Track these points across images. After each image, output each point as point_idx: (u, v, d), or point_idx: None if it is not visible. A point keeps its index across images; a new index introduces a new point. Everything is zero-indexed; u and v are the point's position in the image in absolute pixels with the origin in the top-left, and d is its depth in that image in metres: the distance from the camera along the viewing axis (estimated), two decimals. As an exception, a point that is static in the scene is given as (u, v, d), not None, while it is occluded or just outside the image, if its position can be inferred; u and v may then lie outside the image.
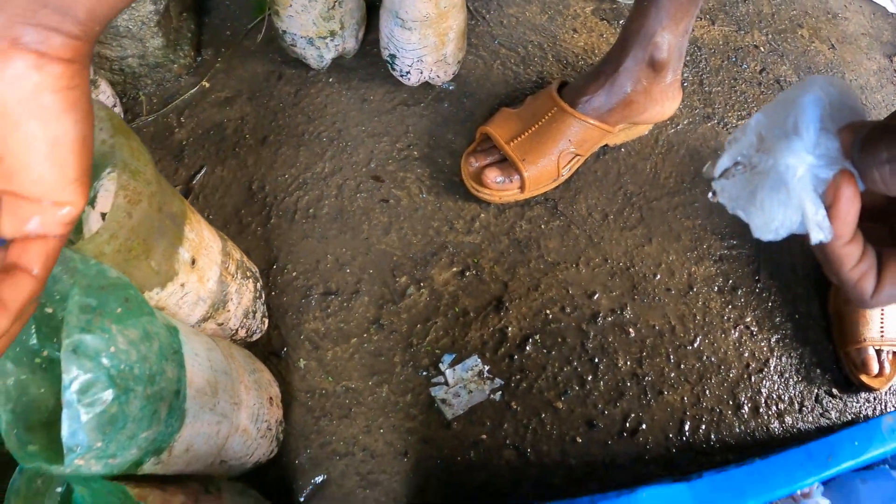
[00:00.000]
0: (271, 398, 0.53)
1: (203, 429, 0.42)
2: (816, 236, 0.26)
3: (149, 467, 0.39)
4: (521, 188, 0.63)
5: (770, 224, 0.28)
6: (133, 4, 0.67)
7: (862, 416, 0.62)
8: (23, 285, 0.25)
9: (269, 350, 0.59)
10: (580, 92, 0.64)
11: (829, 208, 0.26)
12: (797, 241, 0.70)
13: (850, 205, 0.25)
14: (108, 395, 0.33)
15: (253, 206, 0.65)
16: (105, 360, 0.33)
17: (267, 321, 0.59)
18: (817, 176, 0.26)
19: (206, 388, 0.42)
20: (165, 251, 0.45)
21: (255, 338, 0.58)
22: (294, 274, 0.61)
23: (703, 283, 0.65)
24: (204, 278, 0.50)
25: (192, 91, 0.73)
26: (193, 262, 0.49)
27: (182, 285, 0.47)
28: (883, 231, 0.30)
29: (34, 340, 0.39)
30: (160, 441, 0.38)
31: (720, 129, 0.75)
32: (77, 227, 0.39)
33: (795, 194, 0.26)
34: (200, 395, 0.42)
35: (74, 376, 0.32)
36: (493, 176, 0.63)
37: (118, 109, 0.71)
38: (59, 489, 0.40)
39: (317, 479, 0.55)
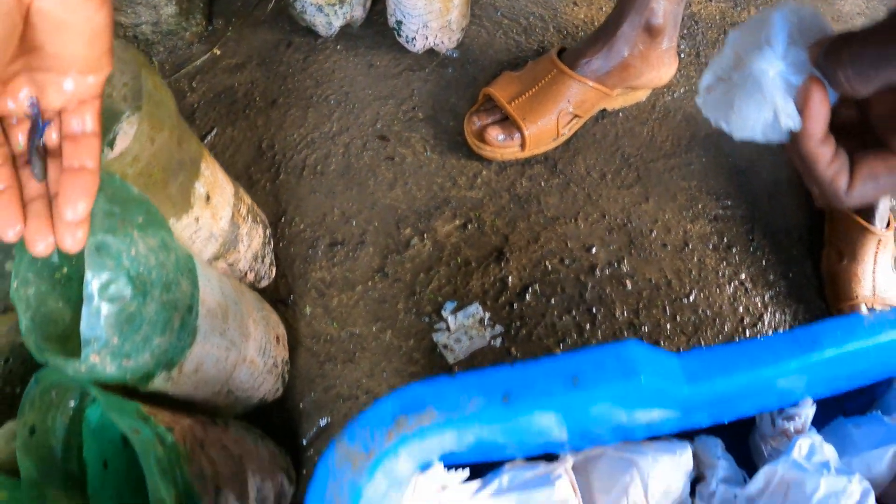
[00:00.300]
0: (278, 337, 0.54)
1: (213, 351, 0.44)
2: (786, 123, 0.28)
3: (160, 383, 0.40)
4: (522, 146, 0.65)
5: (746, 123, 0.30)
6: (149, -28, 0.70)
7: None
8: (84, 178, 0.28)
9: (277, 298, 0.61)
10: (579, 55, 0.66)
11: (802, 110, 0.28)
12: (791, 205, 0.72)
13: (820, 106, 0.28)
14: (127, 292, 0.35)
15: (262, 164, 0.67)
16: (125, 261, 0.35)
17: (275, 269, 0.61)
18: (788, 81, 0.28)
19: (216, 311, 0.44)
20: (182, 183, 0.47)
21: (262, 284, 0.60)
22: (301, 226, 0.63)
23: (698, 241, 0.66)
24: (217, 216, 0.52)
25: (203, 58, 0.75)
26: (208, 198, 0.51)
27: (196, 219, 0.49)
28: (854, 144, 0.32)
29: (55, 257, 0.41)
30: (172, 353, 0.40)
31: (716, 97, 0.76)
32: (108, 124, 0.41)
33: (768, 93, 0.28)
34: (211, 317, 0.43)
35: (96, 272, 0.34)
36: (495, 134, 0.65)
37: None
38: (72, 402, 0.41)
39: (321, 421, 0.57)
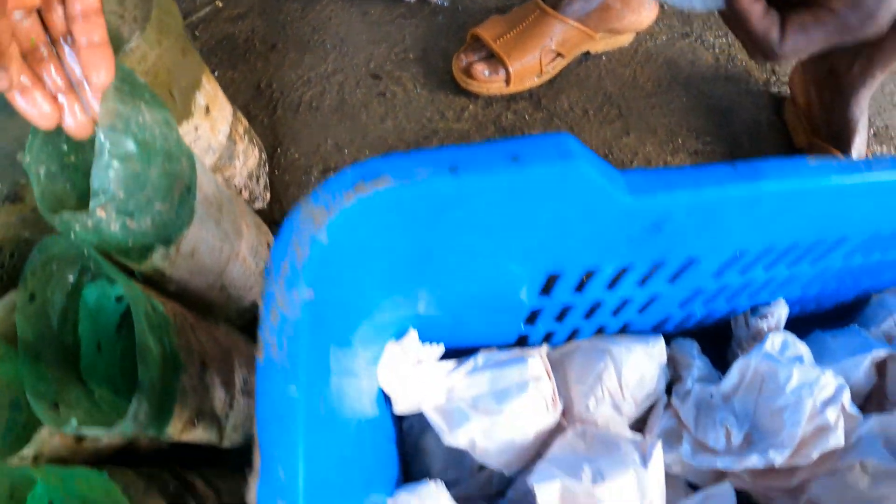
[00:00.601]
0: (269, 244, 0.57)
1: (208, 237, 0.47)
2: None
3: (157, 260, 0.43)
4: (507, 81, 0.68)
5: None
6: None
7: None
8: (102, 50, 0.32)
9: (271, 220, 0.64)
10: (562, -3, 0.69)
11: None
12: (771, 146, 0.74)
13: None
14: (134, 153, 0.38)
15: (260, 102, 0.71)
16: (133, 127, 0.38)
17: (269, 194, 0.64)
18: None
19: (212, 200, 0.47)
20: (185, 90, 0.51)
21: (257, 205, 0.63)
22: (297, 156, 0.67)
23: (678, 174, 0.69)
24: (215, 129, 0.55)
25: (206, 9, 0.79)
26: (207, 109, 0.54)
27: (196, 128, 0.53)
28: (784, 3, 0.36)
29: (65, 146, 0.44)
30: (171, 229, 0.43)
31: (697, 45, 0.79)
32: (115, 44, 0.44)
33: None
34: (207, 204, 0.46)
35: (108, 131, 0.37)
36: (481, 69, 0.68)
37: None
38: (71, 278, 0.44)
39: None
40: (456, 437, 0.40)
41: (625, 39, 0.75)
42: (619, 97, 0.72)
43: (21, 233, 0.51)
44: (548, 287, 0.35)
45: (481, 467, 0.46)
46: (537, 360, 0.41)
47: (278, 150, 0.67)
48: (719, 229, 0.32)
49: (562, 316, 0.41)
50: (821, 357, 0.50)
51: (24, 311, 0.40)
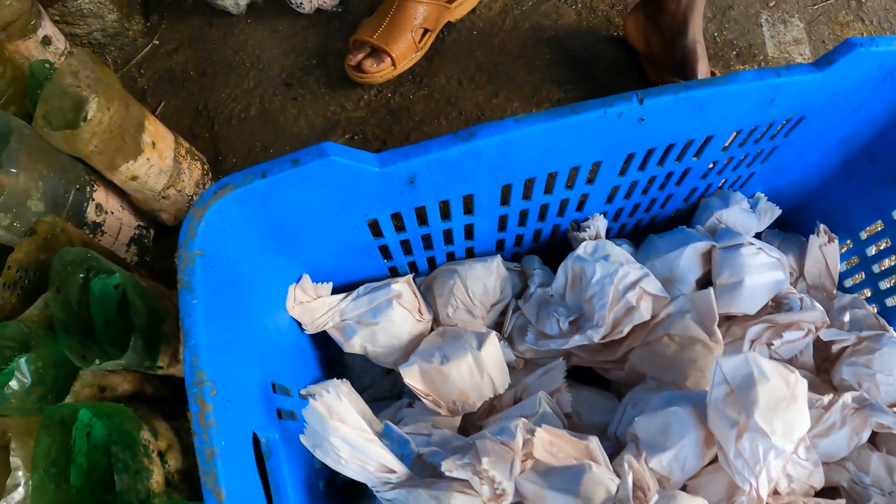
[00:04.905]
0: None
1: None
2: None
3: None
4: (394, 64, 0.82)
5: None
6: (90, -12, 0.89)
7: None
8: None
9: (223, 215, 0.81)
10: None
11: None
12: (628, 81, 0.87)
13: None
14: None
15: (200, 121, 0.87)
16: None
17: (218, 195, 0.81)
18: None
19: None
20: (133, 135, 0.67)
21: (209, 206, 0.80)
22: (234, 160, 0.83)
23: (544, 121, 0.83)
24: (163, 156, 0.72)
25: (146, 49, 0.95)
26: (154, 144, 0.71)
27: (147, 159, 0.69)
28: None
29: None
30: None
31: (560, 3, 0.92)
32: (75, 120, 0.60)
33: None
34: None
35: None
36: (370, 63, 0.82)
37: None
38: (81, 275, 0.62)
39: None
40: (352, 346, 0.57)
41: (474, 1, 0.88)
42: (489, 64, 0.86)
43: (39, 256, 0.68)
44: (376, 233, 0.52)
45: (388, 372, 0.64)
46: (399, 284, 0.58)
47: (219, 157, 0.84)
48: (458, 175, 0.46)
49: (407, 252, 0.57)
50: (649, 254, 0.63)
51: (54, 300, 0.57)
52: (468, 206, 0.52)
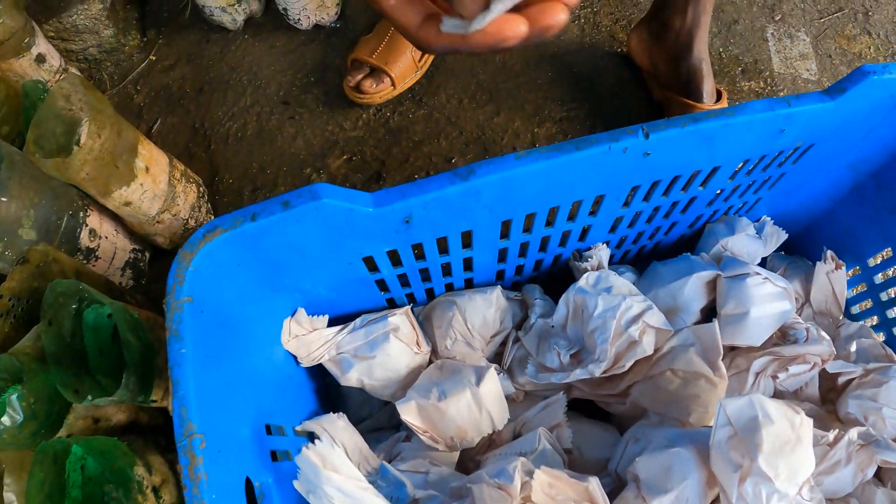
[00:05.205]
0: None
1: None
2: None
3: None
4: (393, 84, 0.81)
5: None
6: (86, 5, 0.88)
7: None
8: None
9: (220, 237, 0.80)
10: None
11: None
12: (631, 100, 0.86)
13: None
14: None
15: (197, 139, 0.86)
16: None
17: (213, 215, 0.80)
18: None
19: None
20: (125, 161, 0.66)
21: (206, 227, 0.79)
22: (231, 180, 0.82)
23: (545, 140, 0.82)
24: (157, 181, 0.71)
25: (143, 65, 0.94)
26: (147, 169, 0.70)
27: (141, 185, 0.68)
28: None
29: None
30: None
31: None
32: (68, 144, 0.60)
33: None
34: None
35: None
36: (369, 84, 0.81)
37: (91, 88, 0.92)
38: (73, 307, 0.61)
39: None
40: (348, 380, 0.56)
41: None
42: (490, 82, 0.85)
43: (31, 284, 0.68)
44: (371, 267, 0.51)
45: (386, 403, 0.63)
46: (396, 317, 0.57)
47: (216, 177, 0.83)
48: (456, 213, 0.45)
49: (404, 284, 0.56)
50: (652, 283, 0.61)
51: (46, 332, 0.56)
52: (466, 239, 0.51)
